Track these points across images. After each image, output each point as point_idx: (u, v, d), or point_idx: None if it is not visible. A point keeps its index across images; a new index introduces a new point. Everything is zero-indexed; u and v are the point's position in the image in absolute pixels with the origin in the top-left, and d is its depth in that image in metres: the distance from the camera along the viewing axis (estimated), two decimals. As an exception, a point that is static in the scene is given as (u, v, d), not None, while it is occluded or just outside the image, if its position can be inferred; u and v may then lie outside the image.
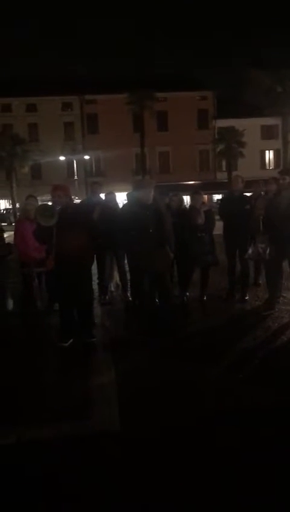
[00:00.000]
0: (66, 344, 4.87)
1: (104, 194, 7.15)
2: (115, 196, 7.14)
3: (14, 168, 36.22)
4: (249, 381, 3.82)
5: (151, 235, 4.98)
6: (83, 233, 4.70)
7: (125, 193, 6.79)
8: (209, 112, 43.42)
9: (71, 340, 4.90)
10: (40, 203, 6.15)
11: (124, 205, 6.81)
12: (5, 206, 40.86)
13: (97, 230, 4.96)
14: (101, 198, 7.22)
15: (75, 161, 41.96)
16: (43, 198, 11.28)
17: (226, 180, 38.20)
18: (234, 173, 38.08)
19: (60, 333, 5.02)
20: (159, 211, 4.98)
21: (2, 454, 2.88)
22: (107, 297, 6.88)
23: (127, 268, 7.09)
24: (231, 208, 6.41)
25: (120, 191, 9.92)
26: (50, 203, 4.78)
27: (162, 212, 5.05)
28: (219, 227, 6.58)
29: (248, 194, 6.86)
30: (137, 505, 2.37)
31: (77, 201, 11.23)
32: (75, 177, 40.88)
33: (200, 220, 6.36)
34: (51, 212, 4.50)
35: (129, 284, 7.06)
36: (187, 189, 7.32)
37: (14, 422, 3.24)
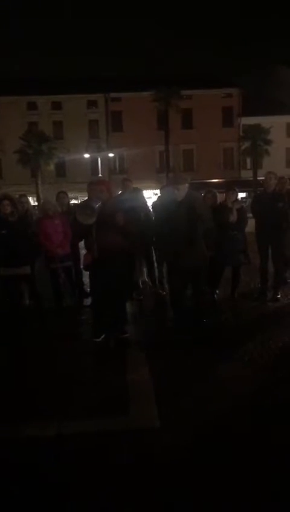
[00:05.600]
0: (99, 339, 4.88)
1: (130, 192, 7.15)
2: (142, 193, 7.13)
3: (39, 165, 36.57)
4: (283, 381, 3.78)
5: (182, 233, 4.83)
6: (120, 230, 4.71)
7: (149, 191, 6.81)
8: (234, 110, 42.97)
9: (103, 336, 4.92)
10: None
11: (155, 202, 6.80)
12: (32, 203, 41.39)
13: (127, 231, 4.93)
14: (132, 196, 7.23)
15: (99, 159, 42.15)
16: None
17: (251, 178, 37.79)
18: (260, 171, 37.72)
19: (92, 328, 5.05)
20: (193, 208, 4.86)
21: (41, 446, 2.91)
22: (137, 293, 6.90)
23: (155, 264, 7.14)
24: (264, 205, 6.33)
25: (143, 188, 9.92)
26: (87, 199, 4.82)
27: (195, 209, 4.86)
28: (250, 225, 6.52)
29: None
30: (174, 503, 2.36)
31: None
32: (99, 175, 41.00)
33: (232, 217, 6.30)
34: (90, 210, 4.51)
35: (158, 279, 7.11)
36: (211, 187, 7.28)
37: (53, 416, 3.26)
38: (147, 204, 7.06)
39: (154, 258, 7.12)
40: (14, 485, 2.54)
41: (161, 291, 7.00)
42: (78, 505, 2.36)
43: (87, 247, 4.91)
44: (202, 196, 6.42)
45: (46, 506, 2.37)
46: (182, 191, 4.90)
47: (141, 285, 7.36)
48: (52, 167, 38.01)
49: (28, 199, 7.41)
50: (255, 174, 37.76)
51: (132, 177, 9.23)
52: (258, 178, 37.79)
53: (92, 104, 42.59)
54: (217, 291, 6.56)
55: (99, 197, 4.69)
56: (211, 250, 5.06)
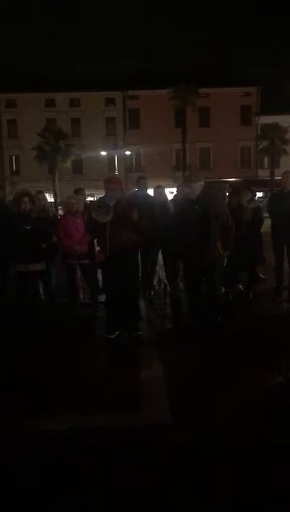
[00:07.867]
0: (112, 336, 4.91)
1: (152, 189, 7.16)
2: (163, 190, 7.12)
3: (56, 162, 36.79)
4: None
5: (195, 231, 4.76)
6: (134, 228, 4.72)
7: (166, 189, 6.89)
8: (252, 108, 42.60)
9: (117, 332, 4.94)
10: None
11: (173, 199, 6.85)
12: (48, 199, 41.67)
13: (143, 230, 4.93)
14: (147, 193, 7.25)
15: (116, 156, 42.22)
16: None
17: (268, 178, 37.43)
18: (277, 170, 37.38)
19: (106, 325, 5.08)
20: (207, 206, 4.78)
21: (53, 441, 2.94)
22: (151, 292, 6.91)
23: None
24: (281, 205, 6.28)
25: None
26: (102, 196, 4.84)
27: (209, 208, 4.78)
28: (266, 224, 6.48)
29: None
30: (186, 500, 2.37)
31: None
32: (116, 172, 41.09)
33: (245, 217, 6.26)
34: (106, 209, 4.53)
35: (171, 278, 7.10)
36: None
37: (65, 411, 3.29)
38: (167, 201, 6.99)
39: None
40: (26, 478, 2.57)
41: (175, 291, 6.98)
42: (88, 500, 2.38)
43: (99, 245, 4.93)
44: (220, 195, 6.37)
45: (57, 500, 2.40)
46: (196, 189, 4.87)
47: (155, 284, 7.38)
48: (69, 164, 38.20)
49: (45, 196, 7.48)
50: (272, 174, 37.39)
51: (148, 175, 9.24)
52: (276, 177, 37.50)
53: (110, 101, 42.67)
54: (241, 288, 6.58)
55: (113, 195, 4.70)
56: (228, 250, 4.96)
